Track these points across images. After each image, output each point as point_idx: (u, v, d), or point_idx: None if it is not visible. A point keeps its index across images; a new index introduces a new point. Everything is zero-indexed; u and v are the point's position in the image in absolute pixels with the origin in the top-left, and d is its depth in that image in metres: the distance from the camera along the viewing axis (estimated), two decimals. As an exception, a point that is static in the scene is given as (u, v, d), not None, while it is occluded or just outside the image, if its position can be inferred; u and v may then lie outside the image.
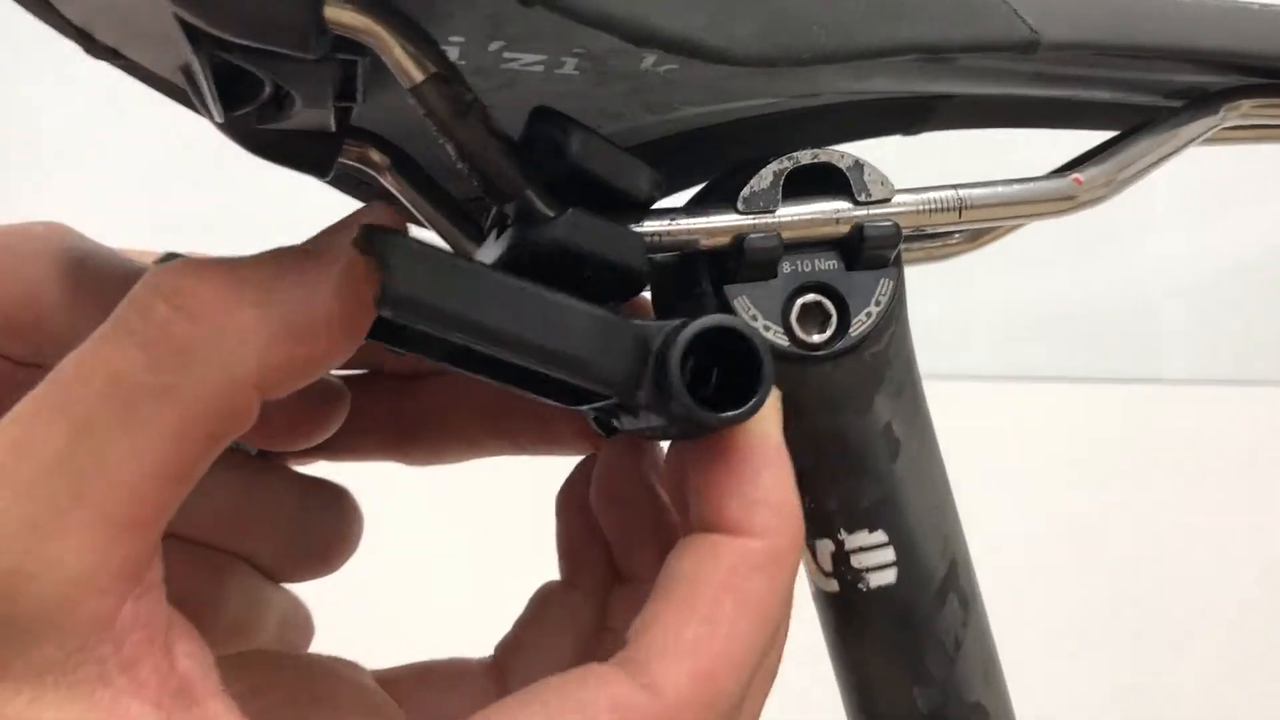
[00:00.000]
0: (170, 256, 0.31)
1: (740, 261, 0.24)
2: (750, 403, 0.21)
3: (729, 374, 0.22)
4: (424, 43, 0.21)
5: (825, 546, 0.26)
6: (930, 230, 0.25)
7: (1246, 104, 0.27)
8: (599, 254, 0.22)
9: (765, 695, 0.22)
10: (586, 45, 0.24)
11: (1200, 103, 0.28)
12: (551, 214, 0.22)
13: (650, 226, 0.23)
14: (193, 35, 0.22)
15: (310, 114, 0.26)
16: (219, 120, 0.26)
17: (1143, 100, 0.30)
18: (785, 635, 0.23)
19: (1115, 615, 0.85)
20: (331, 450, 0.32)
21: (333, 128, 0.28)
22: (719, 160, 0.31)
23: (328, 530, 0.31)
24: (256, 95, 0.25)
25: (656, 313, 0.27)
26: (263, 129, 0.28)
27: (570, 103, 0.27)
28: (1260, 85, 0.28)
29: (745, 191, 0.24)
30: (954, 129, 0.31)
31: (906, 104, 0.30)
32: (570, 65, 0.25)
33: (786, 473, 0.22)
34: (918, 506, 0.26)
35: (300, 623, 0.32)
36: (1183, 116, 0.27)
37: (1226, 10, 0.27)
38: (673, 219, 0.23)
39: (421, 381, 0.31)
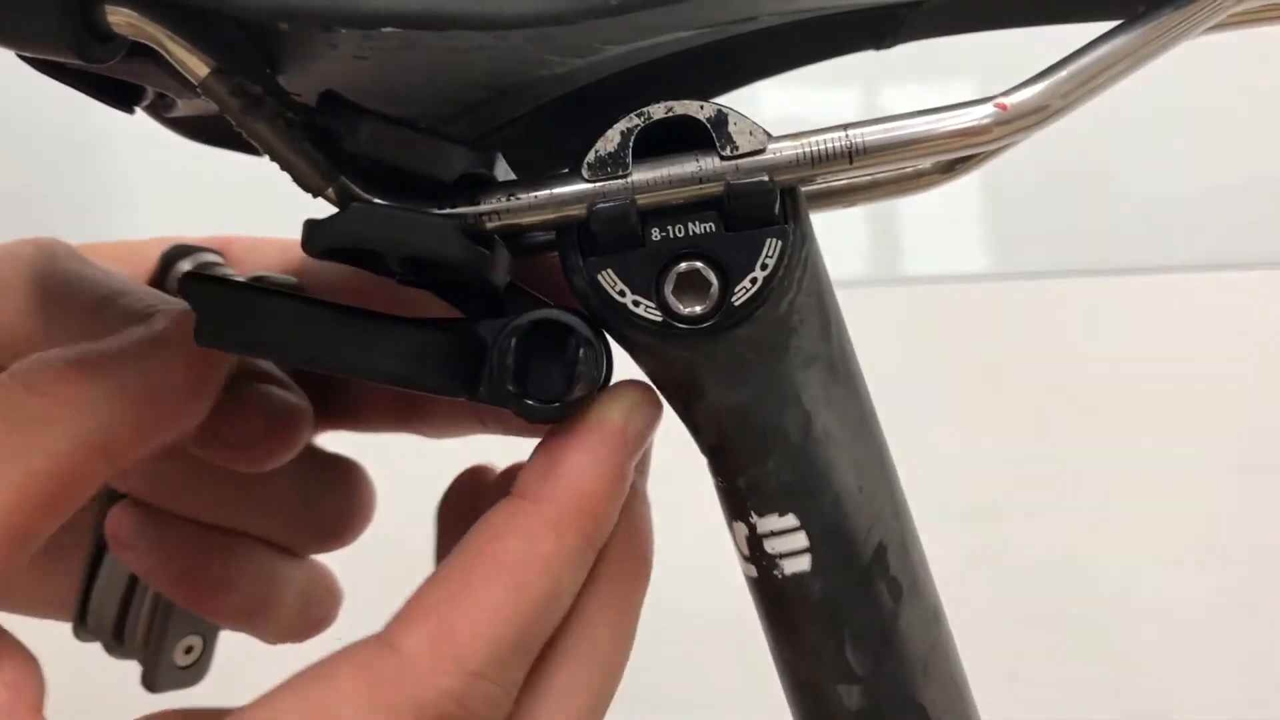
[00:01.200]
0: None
1: (593, 233, 0.21)
2: (558, 403, 0.22)
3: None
4: (201, 39, 0.20)
5: (740, 529, 0.24)
6: (816, 182, 0.22)
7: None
8: (396, 244, 0.21)
9: (584, 684, 0.22)
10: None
11: (1193, -12, 0.23)
12: (362, 196, 0.21)
13: (488, 205, 0.21)
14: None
15: (204, 102, 0.26)
16: (129, 114, 0.26)
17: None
18: (562, 611, 0.22)
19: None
20: (345, 421, 0.33)
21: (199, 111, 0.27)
22: (670, 99, 0.28)
23: (338, 505, 0.32)
24: (144, 93, 0.25)
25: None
26: (174, 118, 0.28)
27: (478, 56, 0.25)
28: (1278, -45, 0.23)
29: (590, 156, 0.21)
30: (929, 37, 0.27)
31: (863, 17, 0.27)
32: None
33: (601, 453, 0.22)
34: (835, 487, 0.23)
35: (323, 594, 0.33)
36: (1168, 6, 0.23)
37: None
38: (511, 195, 0.22)
39: None
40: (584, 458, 0.22)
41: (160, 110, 0.27)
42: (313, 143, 0.21)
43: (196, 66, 0.20)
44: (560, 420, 0.22)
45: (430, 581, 0.21)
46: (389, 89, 0.23)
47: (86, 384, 0.22)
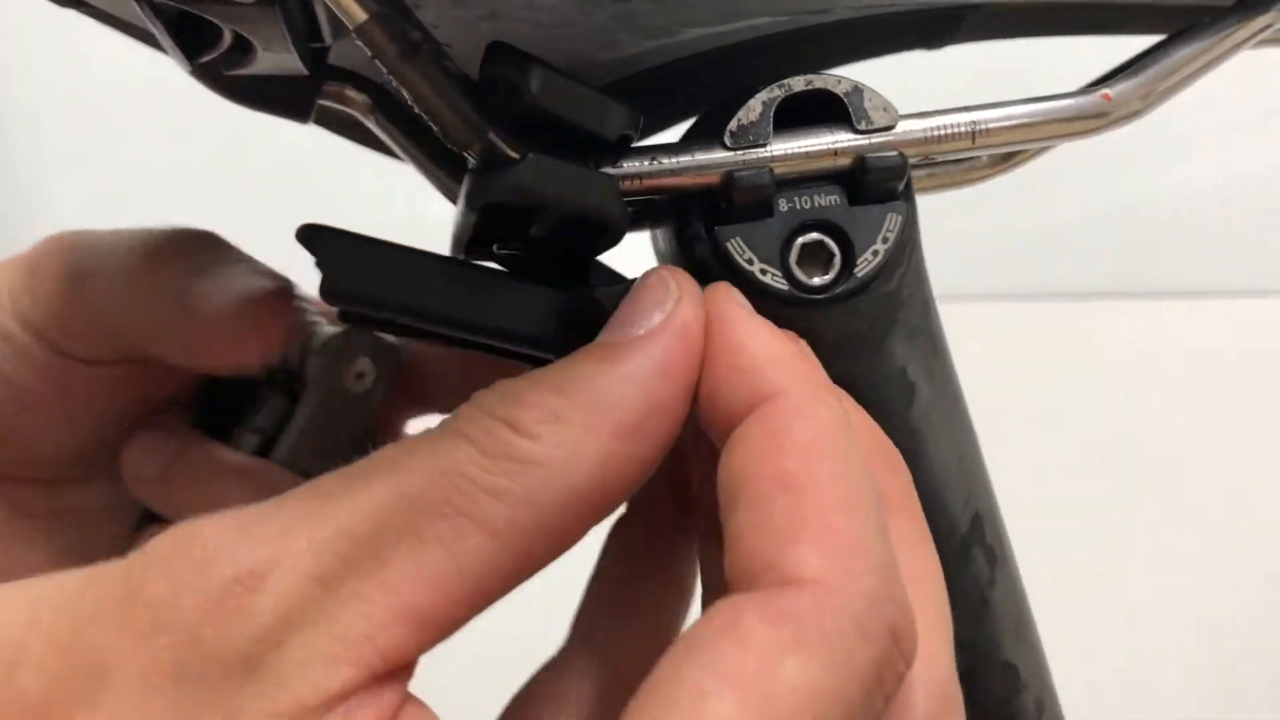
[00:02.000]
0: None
1: (730, 201, 0.22)
2: None
3: None
4: (363, -23, 0.19)
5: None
6: (942, 158, 0.23)
7: (1304, 2, 0.24)
8: (566, 200, 0.20)
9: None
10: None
11: (1247, 5, 0.25)
12: (508, 153, 0.20)
13: (630, 168, 0.22)
14: (129, -19, 0.21)
15: (278, 58, 0.25)
16: (185, 68, 0.25)
17: (1191, 1, 0.27)
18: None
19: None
20: (440, 404, 0.32)
21: (304, 71, 0.26)
22: (728, 86, 0.29)
23: None
24: (216, 42, 0.24)
25: (656, 261, 0.26)
26: (234, 75, 0.26)
27: (558, 33, 0.25)
28: (1323, -22, 0.25)
29: (732, 125, 0.22)
30: (980, 40, 0.29)
31: (929, 16, 0.28)
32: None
33: (773, 336, 0.21)
34: (937, 458, 0.24)
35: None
36: (1232, 17, 0.25)
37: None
38: (653, 159, 0.22)
39: None
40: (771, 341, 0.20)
41: (225, 65, 0.25)
42: (465, 95, 0.20)
43: (355, 8, 0.19)
44: None
45: (769, 511, 0.18)
46: (562, 39, 0.22)
47: (578, 427, 0.19)
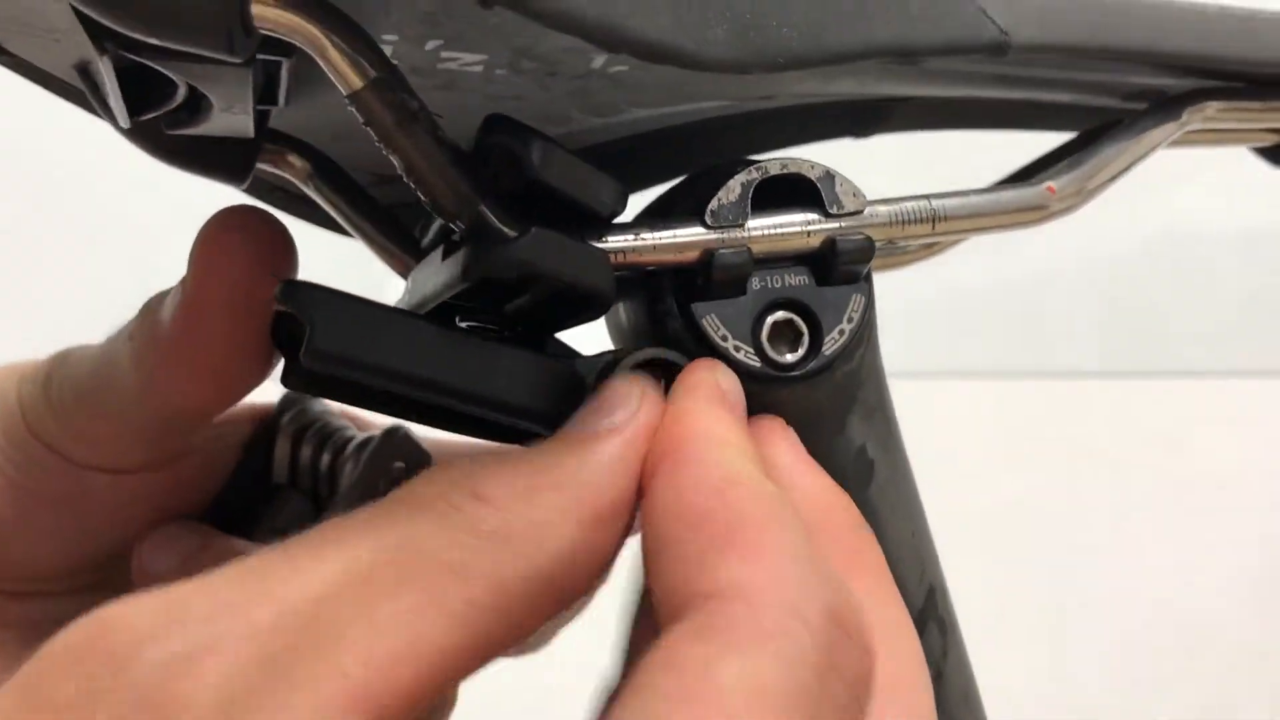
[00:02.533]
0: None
1: (709, 278, 0.22)
2: None
3: None
4: (363, 45, 0.19)
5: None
6: (902, 242, 0.24)
7: (1212, 106, 0.27)
8: (564, 276, 0.20)
9: None
10: (533, 45, 0.22)
11: (1164, 106, 0.27)
12: (511, 233, 0.20)
13: (614, 243, 0.22)
14: (95, 32, 0.20)
15: (226, 119, 0.24)
16: (123, 125, 0.24)
17: (1099, 102, 0.29)
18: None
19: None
20: None
21: (250, 133, 0.25)
22: (669, 165, 0.29)
23: None
24: (166, 98, 0.23)
25: (611, 331, 0.26)
26: (173, 135, 0.25)
27: (510, 104, 0.25)
28: (1222, 88, 0.27)
29: (713, 204, 0.22)
30: (907, 131, 0.30)
31: (861, 106, 0.29)
32: (511, 64, 0.23)
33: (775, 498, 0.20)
34: (894, 534, 0.24)
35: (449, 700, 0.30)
36: (1147, 120, 0.27)
37: (1188, 12, 0.27)
38: (637, 235, 0.22)
39: None
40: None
41: (169, 124, 0.24)
42: (456, 166, 0.20)
43: (352, 75, 0.19)
44: None
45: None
46: (513, 111, 0.22)
47: (550, 507, 0.18)
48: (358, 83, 0.19)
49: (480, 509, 0.18)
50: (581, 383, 0.22)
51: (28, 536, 0.27)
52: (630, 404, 0.20)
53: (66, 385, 0.26)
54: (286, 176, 0.27)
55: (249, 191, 0.28)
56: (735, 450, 0.19)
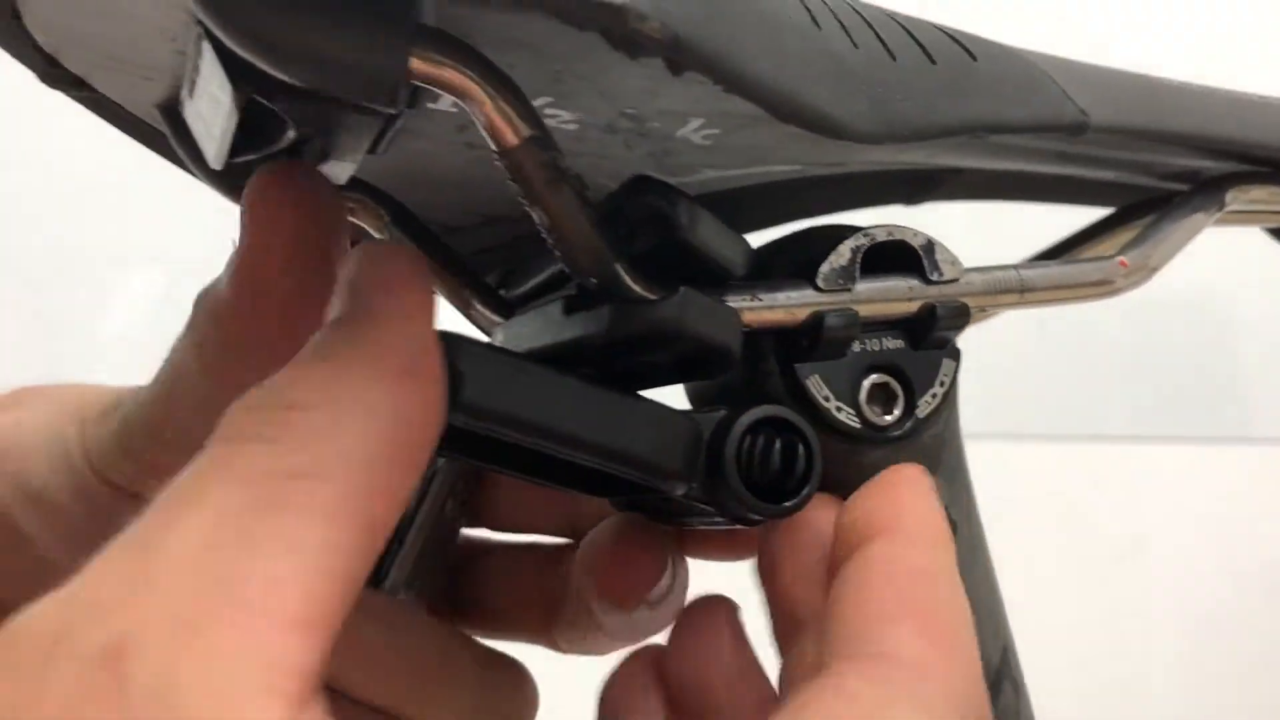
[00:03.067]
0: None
1: (817, 340, 0.22)
2: (800, 495, 0.22)
3: (770, 457, 0.22)
4: (519, 102, 0.19)
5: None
6: (990, 310, 0.24)
7: (1256, 190, 0.28)
8: (705, 335, 0.21)
9: None
10: (636, 107, 0.23)
11: (1207, 188, 0.28)
12: (644, 292, 0.20)
13: (734, 303, 0.22)
14: (237, 74, 0.20)
15: (325, 166, 0.24)
16: (215, 166, 0.23)
17: (1138, 180, 0.30)
18: None
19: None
20: (482, 626, 0.31)
21: (343, 180, 0.25)
22: (737, 224, 0.30)
23: (510, 706, 0.29)
24: (269, 143, 0.23)
25: (698, 394, 0.26)
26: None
27: (589, 161, 0.25)
28: (1258, 173, 0.29)
29: (824, 268, 0.23)
30: (953, 199, 0.31)
31: (918, 175, 0.30)
32: (609, 125, 0.23)
33: (929, 493, 0.22)
34: (974, 594, 0.25)
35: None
36: (1196, 201, 0.28)
37: (1235, 100, 0.28)
38: (754, 295, 0.22)
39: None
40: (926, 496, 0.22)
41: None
42: (592, 223, 0.20)
43: (509, 131, 0.19)
44: (779, 519, 0.22)
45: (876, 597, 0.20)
46: (588, 168, 0.23)
47: (360, 378, 0.18)
48: (513, 140, 0.19)
49: (299, 416, 0.18)
50: (699, 436, 0.22)
51: (68, 561, 0.26)
52: (384, 271, 0.20)
53: (136, 422, 0.25)
54: (364, 225, 0.27)
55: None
56: (949, 554, 0.21)
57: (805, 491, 0.22)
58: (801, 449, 0.22)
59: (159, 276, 0.69)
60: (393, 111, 0.19)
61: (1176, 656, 0.94)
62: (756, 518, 0.22)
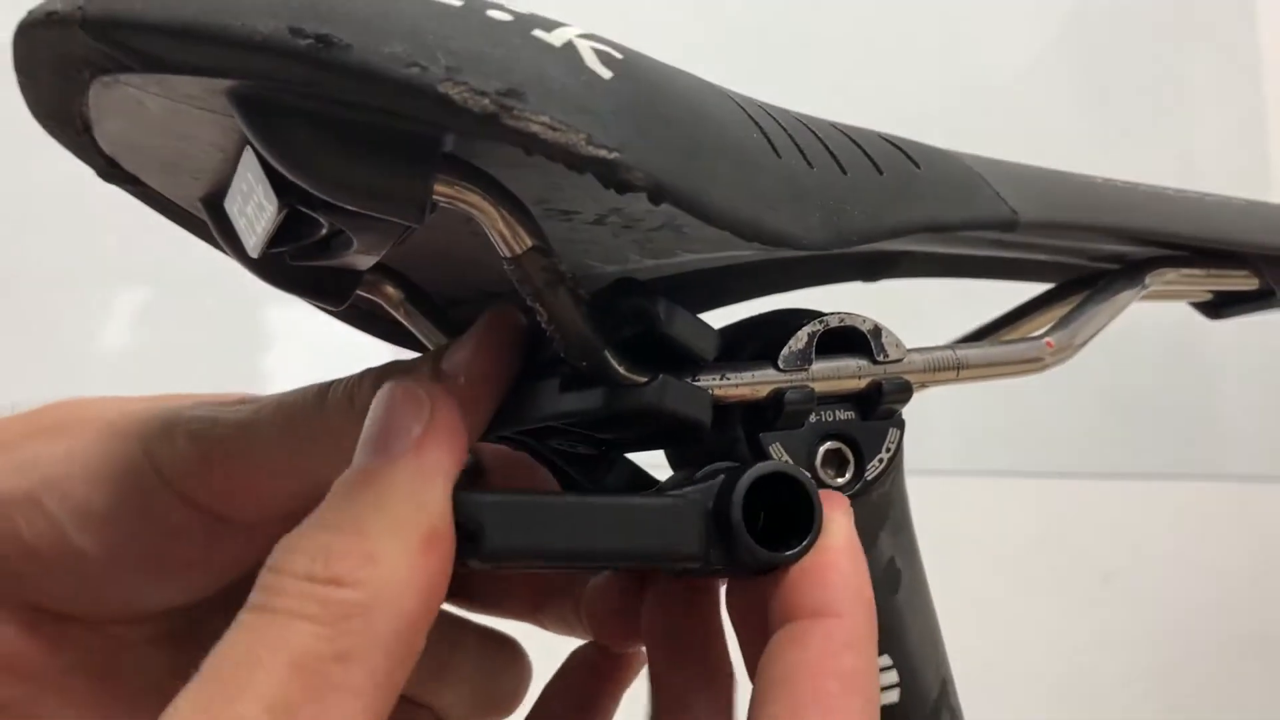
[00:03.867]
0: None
1: (778, 413, 0.26)
2: (808, 538, 0.24)
3: (762, 510, 0.25)
4: (523, 217, 0.23)
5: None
6: (930, 384, 0.28)
7: (1171, 273, 0.32)
8: (680, 413, 0.24)
9: None
10: (623, 208, 0.26)
11: (1130, 271, 0.32)
12: (629, 375, 0.24)
13: (704, 381, 0.25)
14: (282, 188, 0.23)
15: (353, 257, 0.27)
16: (252, 255, 0.27)
17: (1071, 261, 0.34)
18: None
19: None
20: (478, 603, 0.34)
21: (366, 267, 0.28)
22: (706, 299, 0.34)
23: (510, 683, 0.33)
24: (304, 236, 0.26)
25: (674, 456, 0.29)
26: (293, 264, 0.28)
27: (577, 248, 0.29)
28: (1175, 257, 0.33)
29: (784, 351, 0.26)
30: (908, 277, 0.35)
31: (872, 258, 0.34)
32: (598, 219, 0.27)
33: (860, 561, 0.24)
34: (916, 633, 0.28)
35: None
36: (1118, 284, 0.32)
37: (1152, 196, 0.32)
38: (723, 375, 0.26)
39: None
40: (849, 564, 0.24)
41: (296, 256, 0.27)
42: (584, 318, 0.24)
43: (516, 241, 0.23)
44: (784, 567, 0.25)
45: (790, 707, 0.22)
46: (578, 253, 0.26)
47: (395, 558, 0.21)
48: (518, 249, 0.23)
49: (343, 593, 0.21)
50: (701, 506, 0.25)
51: (132, 577, 0.29)
52: (423, 415, 0.23)
53: (220, 443, 0.28)
54: (379, 301, 0.30)
55: (337, 315, 0.31)
56: (872, 655, 0.24)
57: (810, 537, 0.24)
58: (803, 503, 0.25)
59: (146, 293, 0.72)
60: (415, 226, 0.22)
61: (1144, 689, 0.97)
62: (764, 566, 0.24)
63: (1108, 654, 0.96)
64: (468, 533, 0.22)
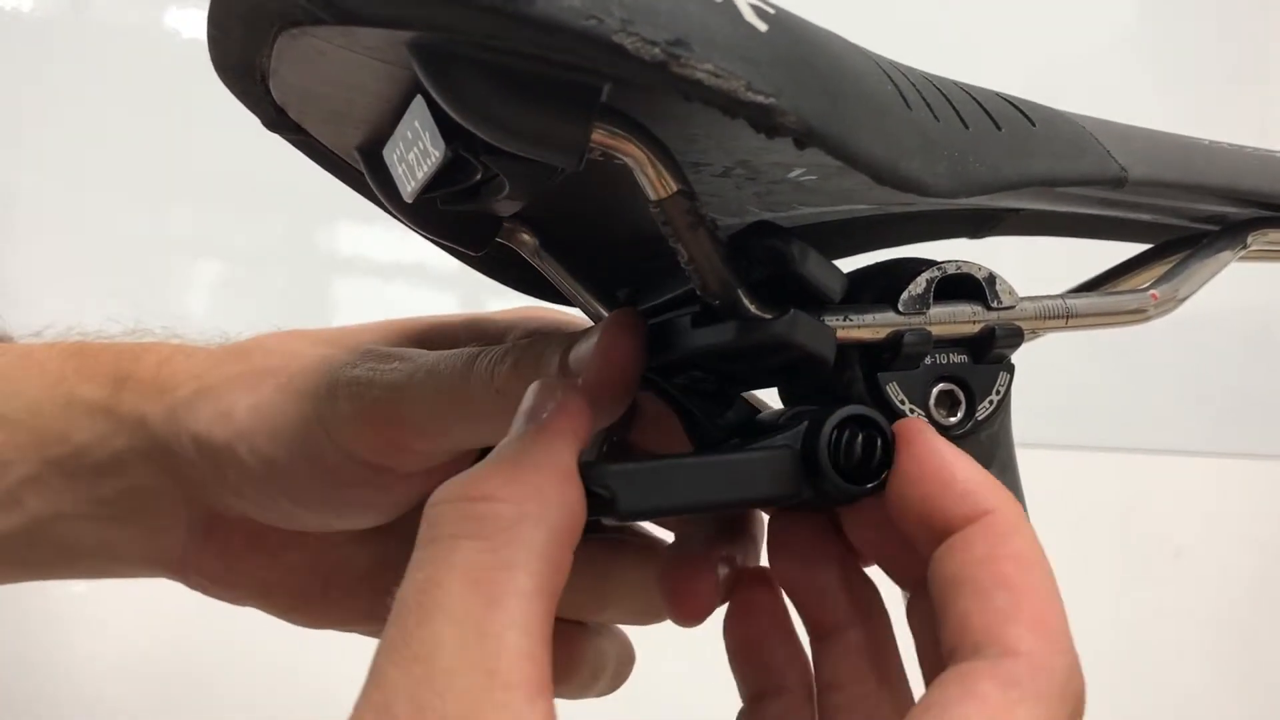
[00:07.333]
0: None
1: (896, 354, 0.28)
2: (883, 475, 0.27)
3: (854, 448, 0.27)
4: (671, 163, 0.24)
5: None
6: (1040, 332, 0.29)
7: (1274, 233, 0.33)
8: (809, 348, 0.26)
9: None
10: (751, 159, 0.28)
11: (1232, 230, 0.33)
12: (760, 312, 0.26)
13: (830, 321, 0.27)
14: (450, 134, 0.25)
15: (499, 203, 0.29)
16: (407, 200, 0.29)
17: (1173, 222, 0.35)
18: None
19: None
20: None
21: (509, 213, 0.30)
22: (824, 252, 0.35)
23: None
24: (458, 181, 0.28)
25: (792, 393, 0.31)
26: (441, 209, 0.30)
27: (701, 199, 0.31)
28: (1276, 218, 0.34)
29: (904, 295, 0.28)
30: (1013, 235, 0.36)
31: (980, 214, 0.35)
32: (724, 171, 0.29)
33: (973, 461, 0.26)
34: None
35: (629, 657, 0.39)
36: (1220, 242, 0.33)
37: (1255, 156, 0.33)
38: (846, 316, 0.27)
39: None
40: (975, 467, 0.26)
41: (446, 201, 0.29)
42: (721, 258, 0.26)
43: (664, 186, 0.24)
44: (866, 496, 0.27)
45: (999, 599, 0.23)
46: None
47: (531, 475, 0.24)
48: (664, 193, 0.24)
49: (495, 507, 0.23)
50: (789, 447, 0.27)
51: (316, 515, 0.34)
52: (556, 396, 0.26)
53: (381, 406, 0.31)
54: (515, 249, 0.32)
55: (471, 262, 0.34)
56: (1033, 534, 0.25)
57: (885, 474, 0.27)
58: (879, 440, 0.27)
59: (218, 267, 0.75)
60: (574, 169, 0.24)
61: (1209, 665, 0.97)
62: (849, 497, 0.27)
63: (1174, 629, 0.96)
64: (602, 499, 0.25)
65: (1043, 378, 0.93)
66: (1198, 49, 1.04)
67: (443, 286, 0.77)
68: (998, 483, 0.25)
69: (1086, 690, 0.24)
